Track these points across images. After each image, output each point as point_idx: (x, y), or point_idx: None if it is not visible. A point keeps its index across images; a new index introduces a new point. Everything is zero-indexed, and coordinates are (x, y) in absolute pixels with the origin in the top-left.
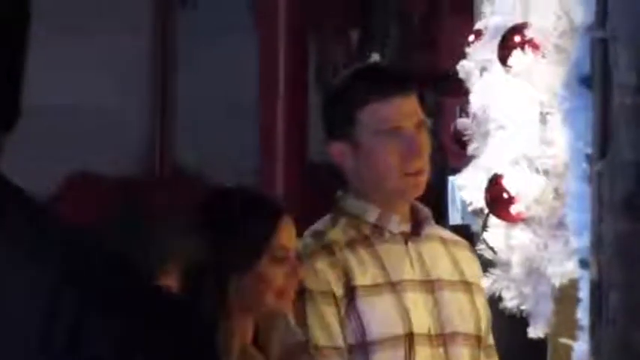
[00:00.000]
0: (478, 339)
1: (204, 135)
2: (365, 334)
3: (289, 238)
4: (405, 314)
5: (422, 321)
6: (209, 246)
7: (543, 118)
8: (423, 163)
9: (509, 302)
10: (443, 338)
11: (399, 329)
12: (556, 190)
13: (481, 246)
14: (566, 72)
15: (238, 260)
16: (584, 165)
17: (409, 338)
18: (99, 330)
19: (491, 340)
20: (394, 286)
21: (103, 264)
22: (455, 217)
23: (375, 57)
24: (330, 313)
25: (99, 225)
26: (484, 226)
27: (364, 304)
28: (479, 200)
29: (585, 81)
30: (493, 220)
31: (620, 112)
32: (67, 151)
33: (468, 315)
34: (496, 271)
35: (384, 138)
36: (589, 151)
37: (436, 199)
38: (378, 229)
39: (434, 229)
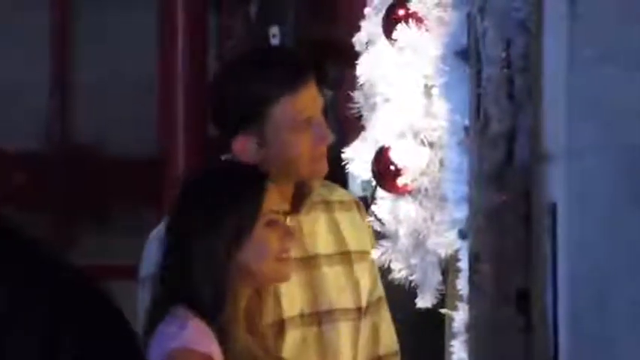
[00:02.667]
0: (359, 311)
1: (106, 108)
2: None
3: (277, 201)
4: (276, 302)
5: (294, 303)
6: (201, 223)
7: (428, 91)
8: (327, 145)
9: (398, 273)
10: (317, 316)
11: (268, 318)
12: (441, 162)
13: (370, 218)
14: (444, 45)
15: (235, 231)
16: (462, 137)
17: (278, 325)
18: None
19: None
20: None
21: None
22: (356, 190)
23: (275, 30)
24: None
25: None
26: (372, 198)
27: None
28: (367, 172)
29: (461, 54)
30: (381, 192)
31: (488, 85)
32: None
33: (344, 288)
34: (385, 243)
35: (296, 132)
36: (466, 123)
37: (336, 172)
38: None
39: (320, 196)
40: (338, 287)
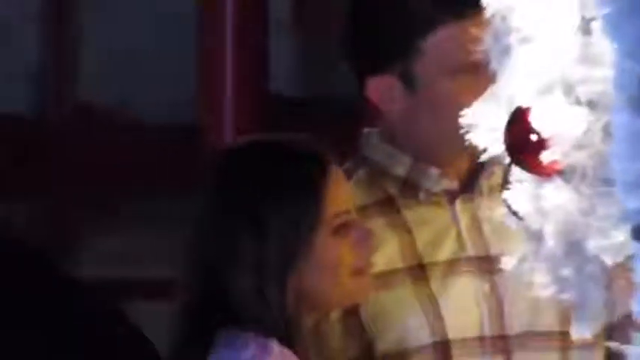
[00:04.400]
0: (566, 336)
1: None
2: (371, 347)
3: (345, 196)
4: (435, 313)
5: (468, 320)
6: (239, 226)
7: (586, 27)
8: None
9: (544, 290)
10: (504, 342)
11: (425, 337)
12: (606, 129)
13: (500, 210)
14: None
15: (285, 243)
16: (637, 91)
17: (441, 348)
18: None
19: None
20: (423, 271)
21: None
22: None
23: None
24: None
25: None
26: (504, 182)
27: (369, 306)
28: (497, 145)
29: None
30: (517, 172)
31: None
32: None
33: (547, 303)
34: (525, 247)
35: (460, 80)
36: None
37: None
38: (409, 186)
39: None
40: (536, 302)
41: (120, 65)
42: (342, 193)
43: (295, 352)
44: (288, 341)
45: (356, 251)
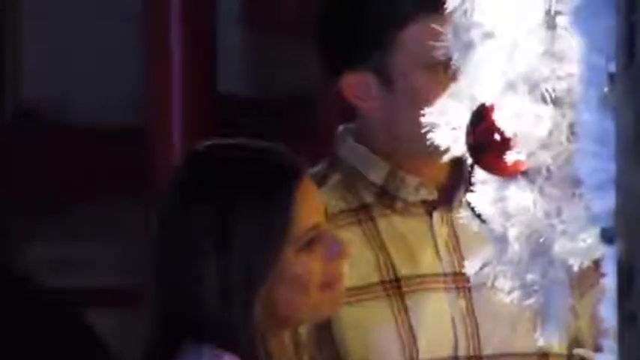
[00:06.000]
0: (543, 358)
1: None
2: None
3: (315, 210)
4: (408, 331)
5: (442, 339)
6: (198, 261)
7: (551, 21)
8: None
9: (508, 295)
10: None
11: (396, 356)
12: (572, 128)
13: (464, 213)
14: None
15: (252, 269)
16: (604, 90)
17: None
18: None
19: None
20: (398, 287)
21: None
22: None
23: None
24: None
25: None
26: (467, 184)
27: (341, 319)
28: (459, 144)
29: None
30: (480, 173)
31: None
32: None
33: (523, 323)
34: (487, 250)
35: (436, 74)
36: (612, 69)
37: None
38: (386, 194)
39: None
40: (513, 321)
41: (63, 65)
42: (313, 207)
43: None
44: (250, 356)
45: (326, 265)
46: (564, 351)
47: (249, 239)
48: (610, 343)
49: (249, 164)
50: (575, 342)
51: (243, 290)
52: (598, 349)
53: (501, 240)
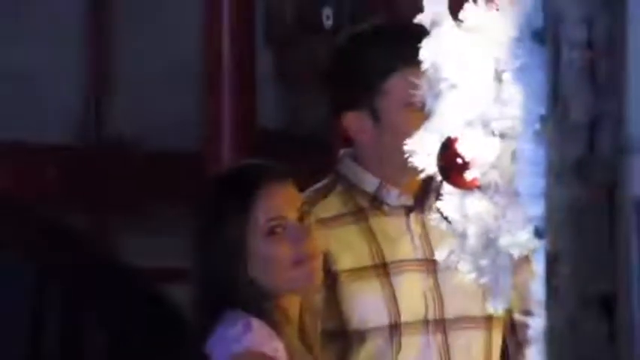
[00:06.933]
0: (489, 320)
1: (146, 100)
2: (345, 324)
3: (278, 205)
4: (392, 301)
5: (415, 306)
6: (201, 238)
7: (499, 76)
8: None
9: (467, 276)
10: (442, 324)
11: (383, 319)
12: (514, 154)
13: (435, 216)
14: (517, 26)
15: (230, 249)
16: (537, 126)
17: (394, 329)
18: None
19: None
20: (385, 268)
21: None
22: None
23: (328, 12)
24: None
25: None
26: (438, 195)
27: (344, 290)
28: (432, 166)
29: (537, 36)
30: (447, 187)
31: (569, 70)
32: None
33: (475, 294)
34: (451, 242)
35: (415, 113)
36: (543, 111)
37: None
38: (377, 201)
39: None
40: (466, 293)
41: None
42: (275, 203)
43: (274, 328)
44: (269, 320)
45: (294, 246)
46: (502, 315)
47: (232, 230)
48: (539, 310)
49: (233, 179)
50: (509, 309)
51: (236, 269)
52: (527, 314)
53: (462, 235)
